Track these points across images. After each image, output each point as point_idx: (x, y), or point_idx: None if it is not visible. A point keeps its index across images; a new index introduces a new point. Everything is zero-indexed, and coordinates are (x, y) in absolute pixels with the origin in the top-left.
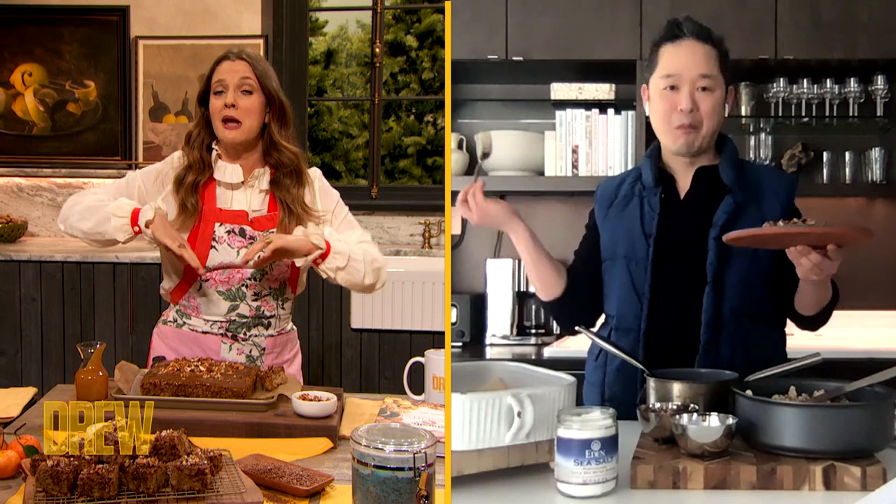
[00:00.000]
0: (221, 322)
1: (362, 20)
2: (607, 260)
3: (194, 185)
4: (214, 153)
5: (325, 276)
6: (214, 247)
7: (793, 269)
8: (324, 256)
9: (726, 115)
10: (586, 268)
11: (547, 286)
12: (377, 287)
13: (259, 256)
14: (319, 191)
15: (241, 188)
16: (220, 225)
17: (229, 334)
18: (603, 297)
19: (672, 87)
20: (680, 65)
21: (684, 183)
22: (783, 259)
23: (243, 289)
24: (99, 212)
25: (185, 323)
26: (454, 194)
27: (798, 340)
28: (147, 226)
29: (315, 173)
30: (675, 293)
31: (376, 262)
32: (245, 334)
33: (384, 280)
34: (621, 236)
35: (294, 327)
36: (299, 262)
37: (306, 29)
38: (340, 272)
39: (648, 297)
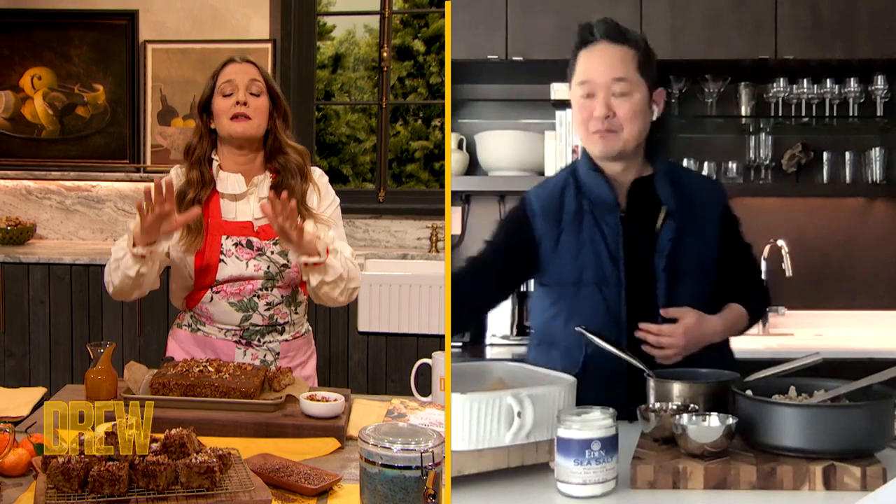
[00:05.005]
0: (235, 329)
1: (370, 25)
2: (569, 284)
3: (195, 202)
4: (215, 164)
5: (305, 278)
6: (223, 260)
7: (728, 292)
8: (318, 265)
9: (654, 117)
10: (499, 264)
11: None
12: (342, 303)
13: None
14: (323, 193)
15: (244, 198)
16: (227, 238)
17: (244, 341)
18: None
19: (588, 95)
20: (593, 70)
21: (621, 196)
22: (721, 280)
23: (255, 299)
24: (114, 263)
25: (199, 329)
26: (454, 194)
27: (798, 340)
28: (135, 244)
29: (317, 172)
30: (643, 315)
31: (354, 282)
32: (259, 340)
33: (353, 298)
34: (587, 260)
35: (309, 329)
36: (293, 256)
37: (314, 33)
38: (325, 287)
39: (626, 323)
